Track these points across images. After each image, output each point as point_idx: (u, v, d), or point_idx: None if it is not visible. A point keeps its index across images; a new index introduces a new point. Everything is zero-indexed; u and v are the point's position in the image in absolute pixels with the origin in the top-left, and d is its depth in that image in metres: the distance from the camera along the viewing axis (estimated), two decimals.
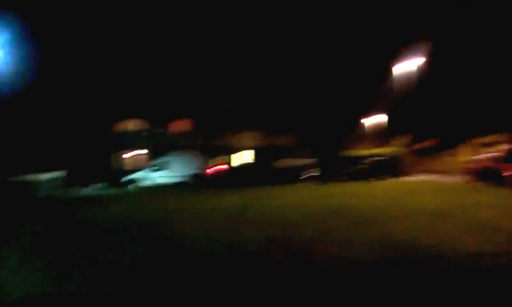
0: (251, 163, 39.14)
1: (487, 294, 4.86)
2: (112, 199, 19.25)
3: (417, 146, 46.50)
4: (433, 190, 18.43)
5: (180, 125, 37.99)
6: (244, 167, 38.33)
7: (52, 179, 23.64)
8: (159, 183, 26.60)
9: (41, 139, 27.06)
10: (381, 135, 49.76)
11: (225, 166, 31.96)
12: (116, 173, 30.82)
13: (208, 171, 30.81)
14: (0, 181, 19.76)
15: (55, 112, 28.68)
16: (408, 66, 34.72)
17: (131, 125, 36.74)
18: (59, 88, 29.12)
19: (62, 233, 9.92)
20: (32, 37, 26.03)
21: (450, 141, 55.15)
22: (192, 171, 27.50)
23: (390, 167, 29.16)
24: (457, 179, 26.18)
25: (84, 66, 31.45)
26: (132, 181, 26.72)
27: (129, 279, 5.90)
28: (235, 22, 38.42)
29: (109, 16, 34.78)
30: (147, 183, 26.75)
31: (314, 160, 32.80)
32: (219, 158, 36.58)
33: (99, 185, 28.07)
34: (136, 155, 36.50)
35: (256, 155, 39.83)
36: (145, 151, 36.16)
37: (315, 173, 29.54)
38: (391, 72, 36.83)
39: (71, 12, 32.25)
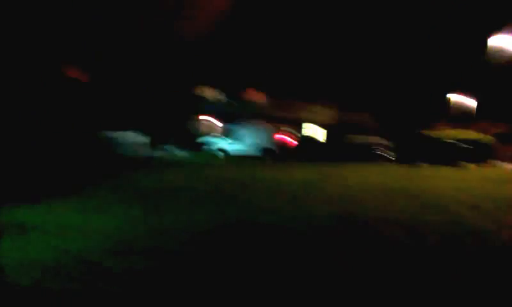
0: (323, 138, 38.53)
1: None
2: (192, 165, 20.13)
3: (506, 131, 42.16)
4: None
5: (253, 95, 38.02)
6: (315, 142, 37.88)
7: (137, 139, 24.85)
8: (227, 151, 26.75)
9: (125, 98, 28.32)
10: (468, 117, 45.97)
11: (292, 139, 31.62)
12: (193, 137, 31.64)
13: (277, 141, 30.64)
14: (89, 135, 20.98)
15: (139, 73, 29.68)
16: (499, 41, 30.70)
17: (206, 91, 37.43)
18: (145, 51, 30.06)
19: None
20: None
21: None
22: (262, 143, 27.37)
23: (478, 154, 26.81)
24: None
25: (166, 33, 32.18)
26: (206, 143, 27.21)
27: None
28: None
29: None
30: (220, 148, 27.13)
31: (389, 139, 31.37)
32: (287, 130, 36.38)
33: (178, 148, 29.05)
34: (210, 121, 37.21)
35: (329, 130, 39.05)
36: (217, 118, 36.73)
37: (388, 152, 28.22)
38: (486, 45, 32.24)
39: None
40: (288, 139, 31.70)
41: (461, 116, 47.24)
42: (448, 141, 29.12)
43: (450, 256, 5.85)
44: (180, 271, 4.78)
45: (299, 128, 37.88)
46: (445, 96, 46.68)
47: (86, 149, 19.61)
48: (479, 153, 27.01)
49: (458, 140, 29.35)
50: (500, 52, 31.53)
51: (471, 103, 46.11)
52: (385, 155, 28.34)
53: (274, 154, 27.22)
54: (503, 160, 31.53)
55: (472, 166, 24.74)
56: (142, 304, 3.90)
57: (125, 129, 24.47)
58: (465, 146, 27.48)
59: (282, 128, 36.42)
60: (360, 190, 12.27)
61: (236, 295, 4.22)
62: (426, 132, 35.43)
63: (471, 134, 33.98)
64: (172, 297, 4.11)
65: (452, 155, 25.67)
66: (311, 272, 4.94)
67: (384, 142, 30.46)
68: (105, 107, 26.77)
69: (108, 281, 4.31)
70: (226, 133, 28.13)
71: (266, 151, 27.30)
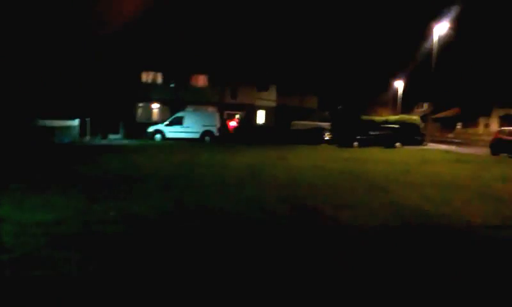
0: (269, 123, 39.24)
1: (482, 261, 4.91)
2: (132, 150, 19.57)
3: (437, 115, 45.59)
4: (449, 161, 18.27)
5: (198, 80, 37.87)
6: (261, 126, 38.53)
7: (73, 126, 24.09)
8: (173, 137, 26.85)
9: (63, 85, 27.23)
10: (400, 101, 48.84)
11: (236, 124, 32.01)
12: (135, 124, 31.17)
13: (227, 126, 30.92)
14: (24, 124, 19.98)
15: (78, 61, 28.65)
16: (438, 29, 32.78)
17: (148, 77, 36.75)
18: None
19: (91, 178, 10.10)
20: None
21: (471, 112, 53.92)
22: (207, 128, 27.61)
23: (407, 135, 28.77)
24: (477, 151, 25.84)
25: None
26: (158, 132, 26.98)
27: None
28: None
29: None
30: (158, 132, 27.03)
31: (332, 123, 32.60)
32: (234, 116, 36.70)
33: (118, 135, 28.50)
34: (154, 108, 36.79)
35: (275, 115, 39.80)
36: (159, 104, 36.35)
37: (331, 136, 29.42)
38: (429, 32, 33.82)
39: None
40: (231, 123, 31.91)
41: (391, 101, 50.01)
42: (380, 123, 30.86)
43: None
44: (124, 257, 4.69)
45: (247, 113, 38.19)
46: (383, 81, 49.14)
47: (23, 138, 18.57)
48: (408, 134, 28.95)
49: (388, 122, 31.20)
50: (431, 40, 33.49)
51: (399, 87, 48.95)
52: (325, 138, 29.44)
53: (213, 137, 27.38)
54: (436, 142, 34.09)
55: (398, 145, 26.68)
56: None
57: (66, 117, 23.45)
58: (393, 126, 29.33)
59: (226, 113, 36.65)
60: (301, 172, 12.68)
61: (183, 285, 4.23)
62: (363, 117, 37.38)
63: (402, 117, 36.27)
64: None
65: (384, 137, 27.27)
66: (262, 260, 5.06)
67: (325, 125, 31.60)
68: (44, 94, 25.30)
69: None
70: (172, 119, 27.77)
71: (205, 134, 27.40)
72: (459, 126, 58.96)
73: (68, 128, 23.78)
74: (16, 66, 25.67)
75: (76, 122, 24.56)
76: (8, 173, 10.67)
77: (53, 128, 22.11)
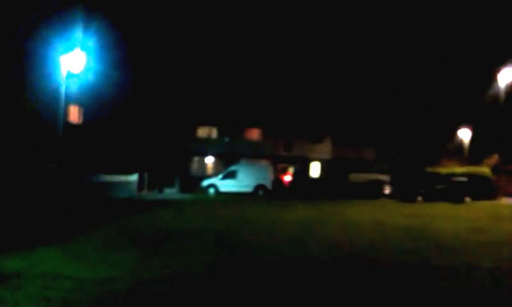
0: (324, 176, 38.24)
1: None
2: (186, 205, 19.61)
3: (510, 167, 41.93)
4: None
5: (252, 134, 38.25)
6: (316, 179, 37.57)
7: (132, 181, 24.86)
8: (226, 191, 26.77)
9: (120, 141, 28.60)
10: (468, 152, 45.78)
11: (291, 178, 31.43)
12: (190, 178, 31.70)
13: (281, 180, 30.50)
14: (79, 180, 20.79)
15: (135, 116, 30.24)
16: (502, 77, 30.86)
17: (203, 131, 37.76)
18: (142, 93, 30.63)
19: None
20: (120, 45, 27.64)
21: None
22: (261, 182, 27.31)
23: (477, 189, 26.32)
24: None
25: (166, 76, 32.91)
26: (212, 186, 27.23)
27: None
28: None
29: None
30: (220, 189, 27.09)
31: (392, 175, 31.00)
32: (288, 169, 36.19)
33: (174, 189, 29.04)
34: (208, 162, 37.42)
35: (330, 168, 38.80)
36: (214, 158, 36.96)
37: (391, 190, 27.80)
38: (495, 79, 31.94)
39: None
40: (285, 176, 31.42)
41: (457, 151, 46.98)
42: (446, 176, 28.66)
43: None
44: None
45: (302, 166, 37.68)
46: (447, 130, 46.43)
47: (79, 193, 19.29)
48: (478, 188, 26.49)
49: (455, 174, 28.92)
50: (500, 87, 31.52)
51: (465, 136, 45.97)
52: (385, 191, 27.88)
53: (266, 190, 26.93)
54: (504, 194, 31.06)
55: (468, 200, 24.23)
56: None
57: (123, 172, 24.36)
58: (461, 179, 26.94)
59: (280, 166, 36.30)
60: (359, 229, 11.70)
61: None
62: (427, 169, 35.14)
63: (471, 169, 33.62)
64: None
65: (452, 190, 25.09)
66: None
67: (385, 178, 30.09)
68: (100, 150, 26.70)
69: None
70: (226, 173, 27.95)
71: (259, 188, 27.03)
72: None
73: (127, 183, 24.52)
74: (83, 126, 27.46)
75: (134, 177, 25.32)
76: (63, 229, 10.80)
77: (112, 183, 22.88)
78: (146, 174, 26.32)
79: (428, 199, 24.18)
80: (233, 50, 37.24)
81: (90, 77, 23.35)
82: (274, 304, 5.18)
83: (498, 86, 31.13)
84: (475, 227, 12.63)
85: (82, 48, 20.88)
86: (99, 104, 26.27)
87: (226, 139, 36.42)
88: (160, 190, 27.58)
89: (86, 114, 27.65)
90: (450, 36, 40.60)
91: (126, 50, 28.61)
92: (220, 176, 28.23)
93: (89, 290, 5.42)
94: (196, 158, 37.44)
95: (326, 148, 39.70)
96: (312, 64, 38.66)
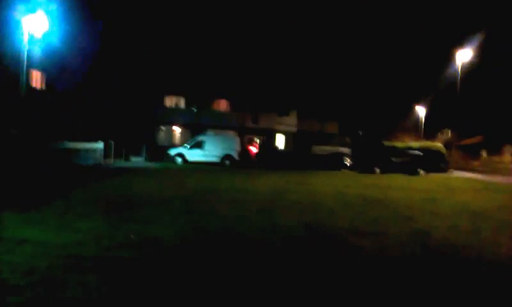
0: (289, 148, 39.20)
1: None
2: (153, 173, 19.77)
3: (461, 142, 44.64)
4: (476, 189, 17.75)
5: (219, 105, 38.43)
6: (281, 151, 38.49)
7: (95, 149, 24.59)
8: (193, 160, 27.08)
9: (85, 108, 28.03)
10: (422, 127, 48.15)
11: (257, 149, 32.07)
12: (157, 147, 31.59)
13: (248, 151, 31.03)
14: (44, 147, 20.41)
15: (101, 83, 29.57)
16: (458, 57, 32.53)
17: (171, 101, 37.58)
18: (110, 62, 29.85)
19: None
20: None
21: (496, 139, 52.64)
22: (228, 152, 27.78)
23: (431, 163, 28.08)
24: (503, 179, 25.05)
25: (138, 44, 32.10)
26: (179, 155, 27.32)
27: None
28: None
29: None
30: (179, 155, 27.31)
31: (353, 148, 32.25)
32: (254, 141, 36.83)
33: (140, 158, 28.92)
34: (176, 131, 37.39)
35: (295, 140, 39.79)
36: (181, 128, 36.93)
37: (350, 161, 29.07)
38: (447, 60, 33.60)
39: None
40: (251, 147, 32.01)
41: (413, 127, 49.31)
42: (402, 149, 30.24)
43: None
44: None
45: (268, 138, 38.38)
46: (405, 107, 48.48)
47: (44, 159, 18.99)
48: (432, 161, 28.25)
49: (411, 148, 30.56)
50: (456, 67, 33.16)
51: (421, 113, 48.32)
52: (346, 163, 29.13)
53: (233, 161, 27.48)
54: (460, 169, 33.25)
55: (422, 173, 25.92)
56: None
57: (88, 140, 23.99)
58: (416, 153, 28.63)
59: (247, 137, 36.83)
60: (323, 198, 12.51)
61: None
62: (385, 142, 36.86)
63: (426, 143, 35.58)
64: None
65: (407, 163, 26.68)
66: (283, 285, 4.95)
67: (347, 151, 31.29)
68: (65, 117, 26.06)
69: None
70: (193, 143, 28.09)
71: (225, 158, 27.54)
72: (484, 154, 57.50)
73: (92, 150, 24.26)
74: (46, 92, 26.62)
75: (100, 145, 25.06)
76: (29, 195, 10.85)
77: (77, 150, 22.61)
78: (112, 142, 26.06)
79: (385, 170, 25.63)
80: (204, 20, 36.77)
81: (53, 41, 22.53)
82: (241, 271, 5.44)
83: (454, 65, 32.75)
84: (428, 197, 13.79)
85: (45, 11, 20.09)
86: (63, 70, 25.49)
87: (194, 109, 36.39)
88: (127, 159, 27.44)
89: (50, 80, 26.79)
90: (410, 16, 41.82)
91: (92, 14, 27.67)
92: (187, 145, 28.39)
93: (55, 255, 5.49)
94: (164, 128, 37.31)
95: (291, 121, 40.61)
96: (281, 39, 38.90)
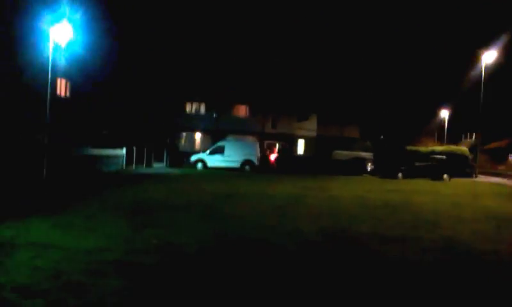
0: (309, 153, 38.99)
1: None
2: (175, 179, 19.98)
3: (487, 146, 43.46)
4: (501, 195, 17.23)
5: (239, 111, 38.59)
6: (301, 156, 38.32)
7: (120, 155, 25.00)
8: (214, 166, 27.20)
9: (108, 115, 28.63)
10: (446, 131, 47.13)
11: (277, 154, 31.99)
12: (178, 153, 31.89)
13: (267, 156, 31.01)
14: (68, 153, 20.83)
15: (124, 91, 30.16)
16: (482, 59, 31.76)
17: (192, 107, 38.01)
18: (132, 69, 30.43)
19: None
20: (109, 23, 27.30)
21: None
22: (248, 158, 27.77)
23: (455, 167, 27.43)
24: None
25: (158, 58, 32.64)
26: (200, 161, 27.52)
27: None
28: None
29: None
30: (208, 164, 27.45)
31: (374, 153, 31.86)
32: (273, 146, 36.78)
33: (162, 164, 29.24)
34: (197, 137, 37.74)
35: (315, 145, 39.56)
36: (202, 134, 37.26)
37: (372, 166, 28.71)
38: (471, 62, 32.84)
39: None
40: (271, 152, 31.97)
41: (437, 131, 48.32)
42: (425, 154, 29.67)
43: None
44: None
45: (288, 143, 38.33)
46: (428, 110, 47.67)
47: (68, 166, 19.39)
48: (456, 166, 27.61)
49: (434, 153, 29.95)
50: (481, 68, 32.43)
51: (445, 116, 47.40)
52: (368, 168, 28.77)
53: (253, 166, 27.47)
54: (486, 174, 32.38)
55: (446, 178, 25.28)
56: None
57: (111, 146, 24.41)
58: (440, 157, 28.04)
59: (267, 143, 36.83)
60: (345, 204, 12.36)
61: None
62: (408, 147, 36.23)
63: (450, 147, 34.80)
64: None
65: (431, 168, 26.13)
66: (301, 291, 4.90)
67: (368, 156, 30.93)
68: (89, 124, 26.65)
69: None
70: (213, 148, 28.25)
71: (245, 163, 27.55)
72: (511, 158, 55.86)
73: (115, 157, 24.68)
74: (71, 100, 27.29)
75: (123, 151, 25.48)
76: (52, 201, 11.08)
77: (101, 157, 23.03)
78: (134, 148, 26.47)
79: (408, 175, 25.16)
80: (223, 27, 37.11)
81: (78, 50, 23.11)
82: (260, 275, 5.48)
83: (478, 67, 32.00)
84: (452, 202, 13.47)
85: (69, 20, 20.64)
86: (87, 78, 26.10)
87: (214, 115, 36.68)
88: (149, 165, 27.80)
89: (74, 87, 27.47)
90: (434, 19, 41.22)
91: (114, 22, 28.29)
92: (208, 151, 28.57)
93: (79, 259, 5.57)
94: (184, 134, 37.71)
95: (311, 126, 40.41)
96: (300, 44, 38.90)
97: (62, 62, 23.05)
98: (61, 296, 4.37)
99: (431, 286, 5.19)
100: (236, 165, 27.57)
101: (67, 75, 26.39)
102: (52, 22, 20.11)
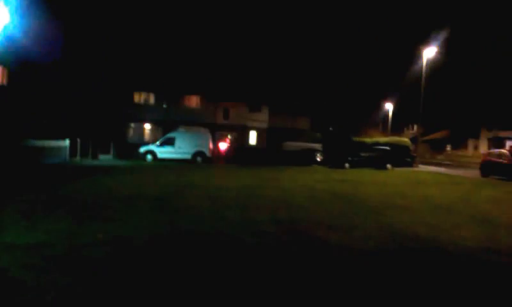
0: (260, 144, 39.35)
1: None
2: (122, 170, 19.39)
3: (427, 137, 46.09)
4: (440, 183, 18.39)
5: (190, 101, 38.04)
6: (253, 147, 38.61)
7: (63, 146, 23.89)
8: (164, 158, 26.75)
9: (50, 105, 27.16)
10: (390, 123, 49.43)
11: (228, 145, 32.03)
12: (126, 145, 31.03)
13: (218, 148, 30.92)
14: (12, 145, 19.70)
15: (67, 79, 28.71)
16: (423, 53, 33.50)
17: (140, 97, 36.88)
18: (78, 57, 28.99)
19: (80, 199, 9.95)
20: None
21: (460, 134, 54.71)
22: (199, 149, 27.55)
23: (398, 157, 28.94)
24: (466, 173, 26.06)
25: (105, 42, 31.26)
26: (149, 152, 26.86)
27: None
28: None
29: None
30: (158, 156, 26.91)
31: (324, 144, 32.77)
32: (225, 137, 36.75)
33: (109, 156, 28.31)
34: (146, 128, 36.78)
35: (266, 136, 39.98)
36: (151, 125, 36.41)
37: (321, 157, 29.55)
38: (413, 57, 34.69)
39: None
40: (222, 143, 31.92)
41: (382, 122, 50.65)
42: (370, 144, 31.03)
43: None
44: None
45: (239, 134, 38.37)
46: (373, 103, 49.75)
47: (7, 158, 18.27)
48: (399, 156, 29.14)
49: (379, 143, 31.40)
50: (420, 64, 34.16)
51: (389, 108, 49.73)
52: (318, 159, 29.56)
53: (205, 158, 27.32)
54: (426, 163, 34.36)
55: (389, 167, 26.67)
56: None
57: (54, 137, 23.24)
58: (384, 148, 29.46)
59: (219, 134, 36.67)
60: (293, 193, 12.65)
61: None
62: (353, 137, 37.66)
63: (393, 138, 36.59)
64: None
65: (375, 158, 27.38)
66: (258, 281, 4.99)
67: (318, 147, 31.75)
68: (29, 113, 25.14)
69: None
70: (164, 140, 27.66)
71: (197, 155, 27.33)
72: (448, 148, 59.64)
73: (58, 148, 23.58)
74: (8, 88, 25.61)
75: (66, 142, 24.37)
76: None
77: (43, 149, 21.89)
78: (78, 140, 25.38)
79: (354, 165, 26.18)
80: (173, 13, 36.26)
81: (16, 35, 21.67)
82: (212, 267, 5.50)
83: (420, 62, 33.70)
84: (394, 191, 14.20)
85: (6, 2, 19.29)
86: (27, 65, 24.57)
87: (164, 106, 35.92)
88: (94, 157, 26.79)
89: (13, 75, 25.76)
90: (378, 14, 42.91)
91: (57, 6, 26.76)
92: (158, 142, 28.01)
93: (19, 255, 5.40)
94: (133, 124, 36.64)
95: (263, 117, 40.76)
96: (252, 34, 38.93)
97: None
98: (6, 292, 4.16)
99: (370, 268, 5.48)
100: (187, 156, 27.28)
101: (4, 62, 24.72)
102: None
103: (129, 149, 28.94)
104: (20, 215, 7.93)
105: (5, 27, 19.88)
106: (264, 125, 40.81)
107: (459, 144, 56.60)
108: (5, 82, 26.13)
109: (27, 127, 23.12)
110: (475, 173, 24.19)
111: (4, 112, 23.03)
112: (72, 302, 4.15)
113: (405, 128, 64.90)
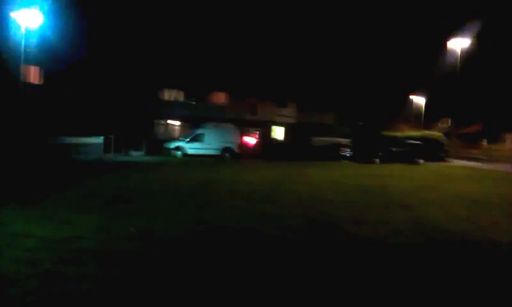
0: (288, 139, 39.26)
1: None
2: (153, 166, 19.83)
3: (461, 131, 44.60)
4: (474, 178, 17.82)
5: (218, 98, 38.36)
6: (281, 143, 38.55)
7: (97, 143, 24.63)
8: (193, 154, 27.08)
9: (85, 103, 28.05)
10: (420, 117, 48.16)
11: (255, 141, 32.04)
12: (157, 141, 31.57)
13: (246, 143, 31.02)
14: (43, 142, 20.42)
15: (100, 78, 29.52)
16: (456, 45, 32.45)
17: (169, 95, 37.46)
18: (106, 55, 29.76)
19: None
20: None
21: (496, 127, 52.65)
22: (228, 145, 27.74)
23: (430, 152, 28.13)
24: (502, 167, 25.12)
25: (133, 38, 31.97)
26: (179, 148, 27.30)
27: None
28: None
29: None
30: (187, 152, 27.30)
31: (351, 139, 32.28)
32: (252, 133, 36.82)
33: (140, 152, 28.91)
34: (175, 125, 37.38)
35: (294, 131, 39.84)
36: (180, 121, 36.95)
37: (350, 152, 29.12)
38: (444, 49, 33.73)
39: None
40: (250, 139, 31.98)
41: (415, 116, 49.39)
42: (401, 139, 30.30)
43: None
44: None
45: (266, 130, 38.45)
46: (403, 97, 48.53)
47: (42, 154, 19.01)
48: (431, 150, 28.33)
49: (410, 138, 30.60)
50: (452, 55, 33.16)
51: (421, 102, 48.41)
52: (345, 154, 29.19)
53: (233, 153, 27.48)
54: (459, 158, 33.32)
55: (421, 162, 25.99)
56: None
57: (88, 134, 24.03)
58: (415, 142, 28.68)
59: (246, 130, 36.79)
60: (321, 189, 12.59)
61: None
62: (383, 132, 36.88)
63: (425, 133, 35.62)
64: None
65: (406, 153, 26.74)
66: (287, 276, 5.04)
67: (345, 141, 31.32)
68: (63, 111, 26.07)
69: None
70: (193, 136, 28.02)
71: (225, 151, 27.53)
72: (483, 142, 57.54)
73: (93, 145, 24.30)
74: (44, 87, 26.59)
75: (100, 140, 25.09)
76: (29, 191, 10.86)
77: (77, 146, 22.67)
78: (112, 137, 26.09)
79: (384, 160, 25.67)
80: (202, 12, 36.56)
81: (49, 36, 22.50)
82: (240, 261, 5.61)
83: (454, 53, 32.67)
84: (426, 186, 13.87)
85: (39, 5, 20.09)
86: (60, 65, 25.45)
87: (193, 102, 36.38)
88: (126, 153, 27.47)
89: (47, 74, 26.75)
90: (409, 4, 41.79)
91: (88, 7, 27.53)
92: (187, 138, 28.39)
93: (55, 248, 5.58)
94: (163, 121, 37.29)
95: (290, 113, 40.62)
96: (278, 30, 38.77)
97: (34, 48, 22.42)
98: (37, 284, 4.37)
99: (399, 263, 5.41)
100: (216, 152, 27.52)
101: (40, 62, 25.71)
102: (21, 7, 19.54)
103: (159, 145, 29.46)
104: (55, 209, 8.27)
105: (39, 29, 20.74)
106: (291, 120, 40.65)
107: (495, 138, 54.49)
108: (41, 81, 27.17)
109: (63, 125, 23.97)
110: (507, 168, 23.28)
111: (39, 110, 23.96)
112: (108, 293, 4.31)
113: (438, 123, 63.03)
